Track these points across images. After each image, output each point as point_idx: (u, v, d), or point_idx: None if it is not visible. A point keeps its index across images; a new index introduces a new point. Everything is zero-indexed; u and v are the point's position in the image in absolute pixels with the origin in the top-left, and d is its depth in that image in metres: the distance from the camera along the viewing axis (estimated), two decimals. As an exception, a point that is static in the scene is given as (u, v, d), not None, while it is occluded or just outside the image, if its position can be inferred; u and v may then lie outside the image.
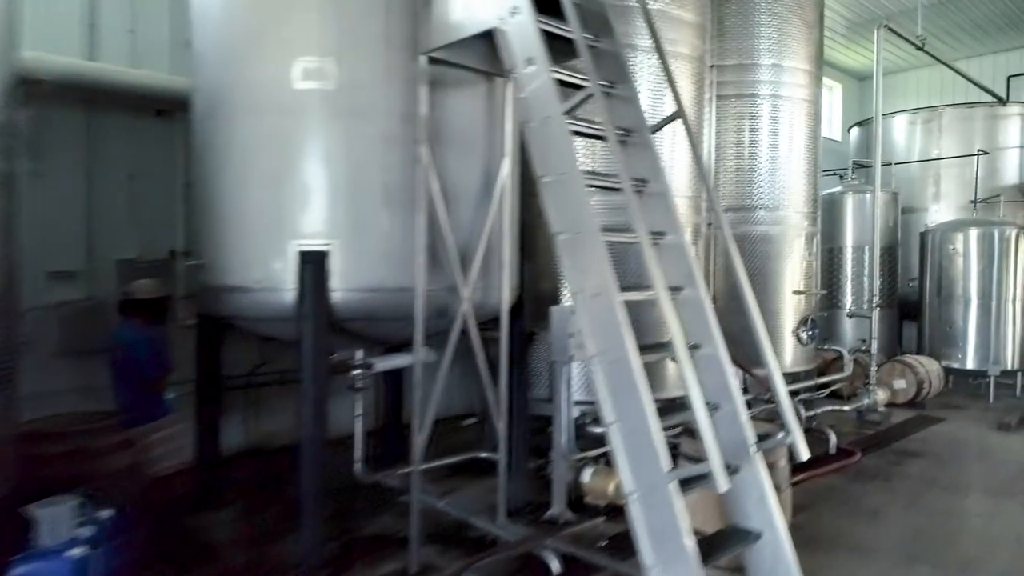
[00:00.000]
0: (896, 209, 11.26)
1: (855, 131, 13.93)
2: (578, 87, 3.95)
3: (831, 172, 11.96)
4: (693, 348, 3.65)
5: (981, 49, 14.77)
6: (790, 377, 8.11)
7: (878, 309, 8.60)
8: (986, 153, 11.44)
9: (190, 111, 4.93)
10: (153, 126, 6.27)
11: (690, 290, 3.69)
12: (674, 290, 3.71)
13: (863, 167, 11.94)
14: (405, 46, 4.33)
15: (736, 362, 7.36)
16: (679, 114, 3.97)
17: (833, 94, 16.68)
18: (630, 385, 3.09)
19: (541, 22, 3.65)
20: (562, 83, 3.75)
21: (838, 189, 11.24)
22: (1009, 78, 14.52)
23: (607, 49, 4.11)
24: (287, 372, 6.55)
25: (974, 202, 10.91)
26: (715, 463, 2.87)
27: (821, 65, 8.45)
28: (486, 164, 4.76)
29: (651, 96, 6.37)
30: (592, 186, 3.54)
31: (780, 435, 3.57)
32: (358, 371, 5.22)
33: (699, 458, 3.17)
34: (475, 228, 4.65)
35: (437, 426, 6.79)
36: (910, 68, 15.97)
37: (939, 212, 12.15)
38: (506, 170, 4.71)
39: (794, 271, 8.01)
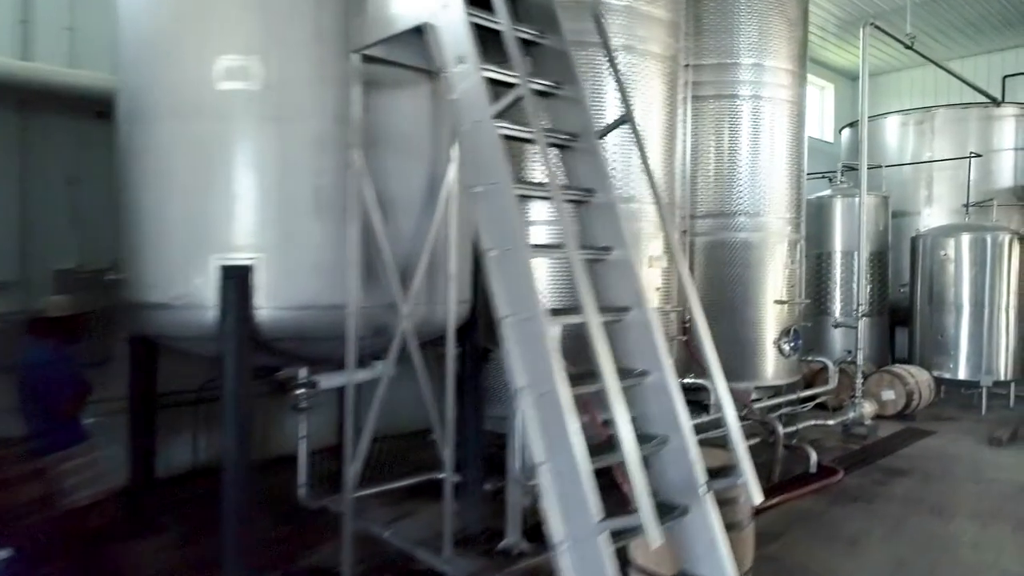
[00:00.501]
0: (886, 213, 10.93)
1: (846, 132, 13.59)
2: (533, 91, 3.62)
3: (822, 175, 11.63)
4: (640, 375, 3.31)
5: (976, 49, 14.43)
6: (771, 390, 7.81)
7: (865, 318, 8.26)
8: (979, 156, 11.10)
9: (114, 113, 4.60)
10: (95, 129, 5.91)
11: (637, 311, 3.35)
12: (620, 311, 3.39)
13: (853, 169, 11.59)
14: (338, 43, 4.00)
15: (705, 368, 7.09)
16: (627, 118, 3.64)
17: (825, 94, 16.35)
18: (559, 422, 2.76)
19: (473, 15, 3.32)
20: (501, 84, 3.43)
21: (827, 192, 10.91)
22: (1004, 78, 14.17)
23: (553, 47, 3.78)
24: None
25: (966, 206, 10.57)
26: (647, 516, 2.53)
27: (805, 64, 8.13)
28: (431, 169, 4.42)
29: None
30: (526, 196, 3.20)
31: (742, 473, 3.23)
32: (301, 391, 4.90)
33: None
34: (419, 238, 4.32)
35: (401, 440, 6.48)
36: (903, 68, 15.64)
37: (932, 216, 11.81)
38: (453, 175, 4.37)
39: (776, 280, 7.68)
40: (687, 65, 7.19)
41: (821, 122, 15.98)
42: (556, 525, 2.77)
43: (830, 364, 8.15)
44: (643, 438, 3.26)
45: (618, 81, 3.85)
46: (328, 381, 4.83)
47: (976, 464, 7.20)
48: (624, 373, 3.34)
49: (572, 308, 3.28)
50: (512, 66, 3.25)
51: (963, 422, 9.07)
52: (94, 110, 5.87)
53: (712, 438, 6.82)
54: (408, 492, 5.77)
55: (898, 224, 12.05)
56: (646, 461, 3.00)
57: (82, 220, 5.81)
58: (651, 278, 6.17)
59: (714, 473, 3.36)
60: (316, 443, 5.56)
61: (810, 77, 16.01)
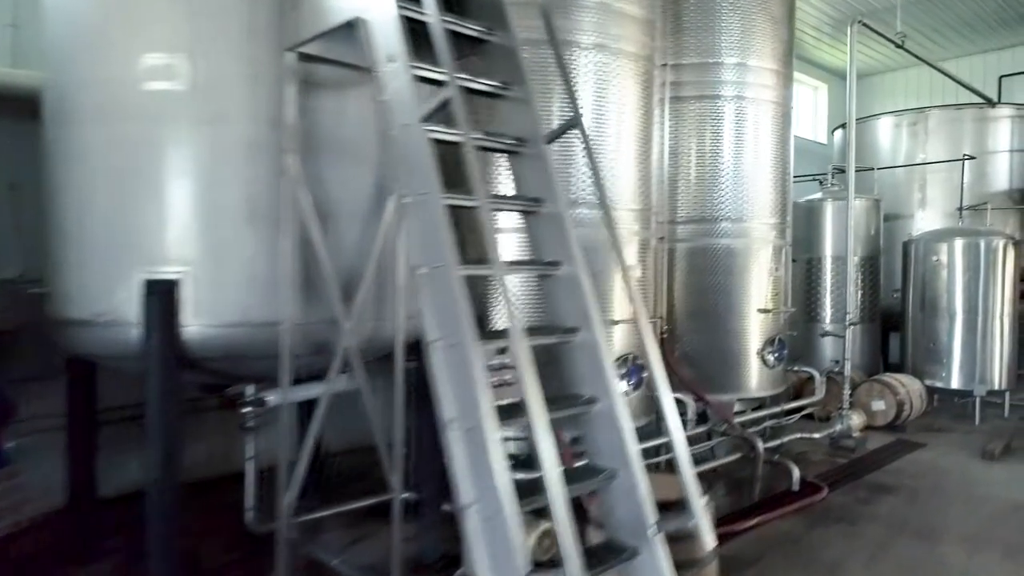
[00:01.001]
0: (878, 216, 10.64)
1: (839, 133, 13.31)
2: (476, 92, 3.35)
3: (813, 177, 11.34)
4: (588, 402, 3.03)
5: (971, 48, 14.15)
6: (756, 402, 7.52)
7: (853, 327, 7.98)
8: (973, 158, 10.81)
9: (41, 114, 4.32)
10: (37, 131, 5.65)
11: (585, 333, 3.07)
12: (568, 332, 3.10)
13: (844, 172, 11.32)
14: (273, 40, 3.72)
15: (689, 387, 6.80)
16: (574, 122, 3.35)
17: (819, 95, 16.07)
18: (485, 461, 2.48)
19: (403, 7, 3.04)
20: (441, 84, 3.15)
21: (817, 196, 10.62)
22: (1001, 78, 13.90)
23: (502, 44, 3.50)
24: (197, 399, 5.97)
25: (960, 209, 10.28)
26: (572, 572, 2.25)
27: (791, 64, 7.84)
28: (378, 175, 4.14)
29: (594, 99, 5.76)
30: (457, 207, 2.92)
31: (693, 515, 2.96)
32: (249, 409, 4.62)
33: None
34: (365, 249, 4.03)
35: (370, 454, 6.20)
36: (898, 68, 15.37)
37: (925, 219, 11.53)
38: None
39: (760, 287, 7.39)
40: (664, 64, 6.90)
41: (815, 123, 15.70)
42: (482, 574, 2.49)
43: (816, 374, 7.86)
44: (591, 471, 2.99)
45: (566, 81, 3.57)
46: (279, 398, 4.56)
47: (967, 480, 6.91)
48: (571, 400, 3.07)
49: (543, 327, 3.00)
50: (443, 64, 2.96)
51: (956, 433, 8.79)
52: (36, 111, 5.61)
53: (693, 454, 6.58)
54: (368, 512, 5.49)
55: (891, 227, 11.77)
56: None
57: (25, 228, 5.52)
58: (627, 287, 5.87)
59: (671, 507, 3.09)
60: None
61: (803, 77, 15.81)
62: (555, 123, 5.65)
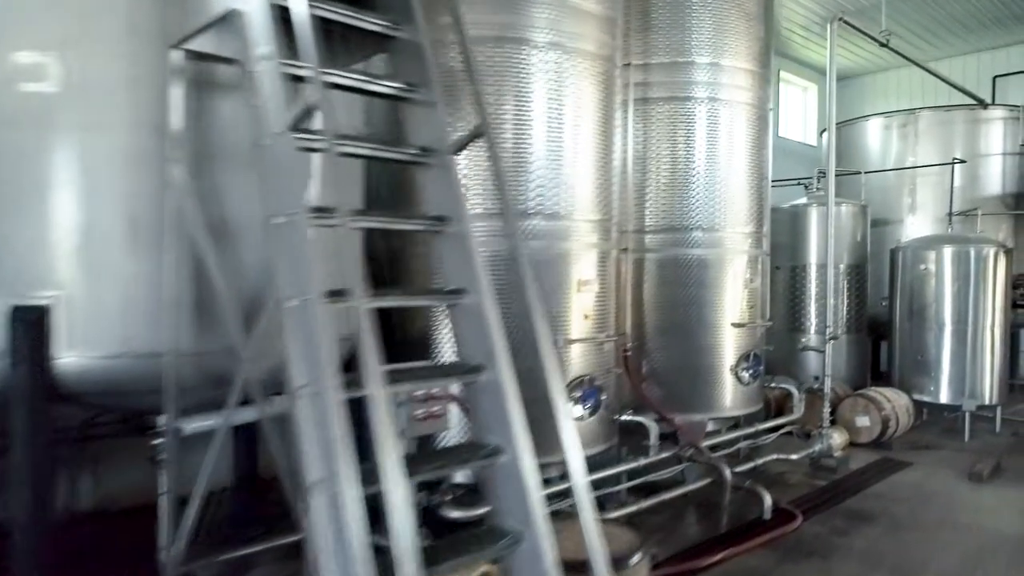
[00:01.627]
0: (865, 222, 10.23)
1: (827, 135, 12.87)
2: (370, 93, 2.95)
3: (798, 181, 10.92)
4: (492, 454, 2.63)
5: (965, 47, 13.73)
6: (731, 421, 7.12)
7: (833, 341, 7.57)
8: (963, 161, 10.41)
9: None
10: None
11: (489, 373, 2.66)
12: (471, 371, 2.70)
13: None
14: (157, 37, 3.32)
15: (653, 407, 6.39)
16: (481, 130, 2.95)
17: (808, 95, 15.65)
18: (345, 530, 2.07)
19: (276, -1, 2.64)
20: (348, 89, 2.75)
21: (801, 201, 10.22)
22: (995, 78, 13.49)
23: (410, 40, 3.10)
24: (134, 421, 5.58)
25: (950, 215, 9.87)
26: None
27: (768, 64, 7.44)
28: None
29: (549, 101, 5.36)
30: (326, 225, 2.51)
31: None
32: (160, 440, 4.22)
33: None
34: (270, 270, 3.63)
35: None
36: (891, 67, 14.95)
37: (915, 225, 11.13)
38: (314, 194, 3.68)
39: (735, 300, 6.98)
40: (627, 65, 6.49)
41: (804, 124, 15.29)
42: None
43: (795, 391, 7.45)
44: (497, 533, 2.58)
45: (473, 83, 3.15)
46: (194, 426, 4.16)
47: (952, 505, 6.50)
48: (477, 449, 2.66)
49: (443, 367, 2.59)
50: (307, 59, 2.56)
51: (944, 451, 8.37)
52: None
53: (659, 480, 6.17)
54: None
55: (881, 233, 11.37)
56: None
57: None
58: (583, 303, 5.47)
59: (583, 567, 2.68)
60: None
61: (792, 77, 15.41)
62: (509, 128, 5.30)
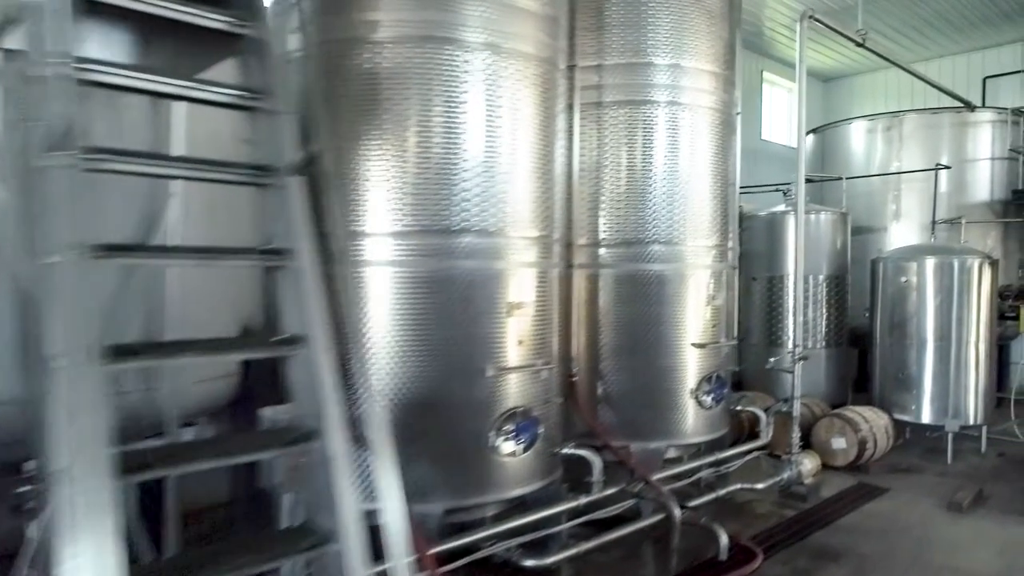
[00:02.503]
0: (845, 231, 9.76)
1: (811, 139, 12.42)
2: (200, 100, 2.49)
3: (776, 187, 10.45)
4: (319, 542, 2.17)
5: (954, 48, 13.26)
6: (693, 448, 6.65)
7: (803, 361, 7.11)
8: (948, 167, 9.95)
9: None
10: None
11: (321, 443, 2.20)
12: (303, 439, 2.24)
13: (811, 181, 10.48)
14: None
15: (602, 436, 5.93)
16: (314, 155, 2.48)
17: (793, 97, 15.15)
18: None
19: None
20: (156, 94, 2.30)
21: (779, 208, 9.75)
22: (985, 79, 13.02)
23: (256, 38, 2.64)
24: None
25: (933, 223, 9.41)
26: None
27: (733, 66, 6.98)
28: (146, 207, 3.27)
29: (484, 107, 4.89)
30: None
31: None
32: (27, 488, 3.77)
33: None
34: (129, 299, 3.17)
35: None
36: (879, 68, 14.47)
37: (900, 232, 10.67)
38: (176, 214, 3.23)
39: (697, 318, 6.53)
40: (573, 66, 6.01)
41: (790, 126, 14.79)
42: None
43: (762, 415, 6.98)
44: None
45: (311, 93, 2.68)
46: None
47: (927, 541, 6.04)
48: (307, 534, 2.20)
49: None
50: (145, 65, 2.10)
51: (925, 475, 7.92)
52: None
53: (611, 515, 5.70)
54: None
55: (864, 240, 10.93)
56: None
57: None
58: (518, 328, 5.01)
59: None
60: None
61: (777, 79, 14.93)
62: (437, 137, 4.84)
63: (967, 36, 12.70)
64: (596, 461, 5.26)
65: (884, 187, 10.94)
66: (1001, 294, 9.94)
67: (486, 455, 4.68)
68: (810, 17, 6.94)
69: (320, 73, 4.05)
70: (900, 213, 10.71)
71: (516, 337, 4.97)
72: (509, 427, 4.77)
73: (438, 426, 4.48)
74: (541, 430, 5.00)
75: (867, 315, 9.93)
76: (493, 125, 4.91)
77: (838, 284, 9.54)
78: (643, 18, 6.38)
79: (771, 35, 13.79)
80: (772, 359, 7.04)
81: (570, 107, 5.68)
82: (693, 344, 6.39)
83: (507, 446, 4.76)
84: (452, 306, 4.62)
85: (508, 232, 4.95)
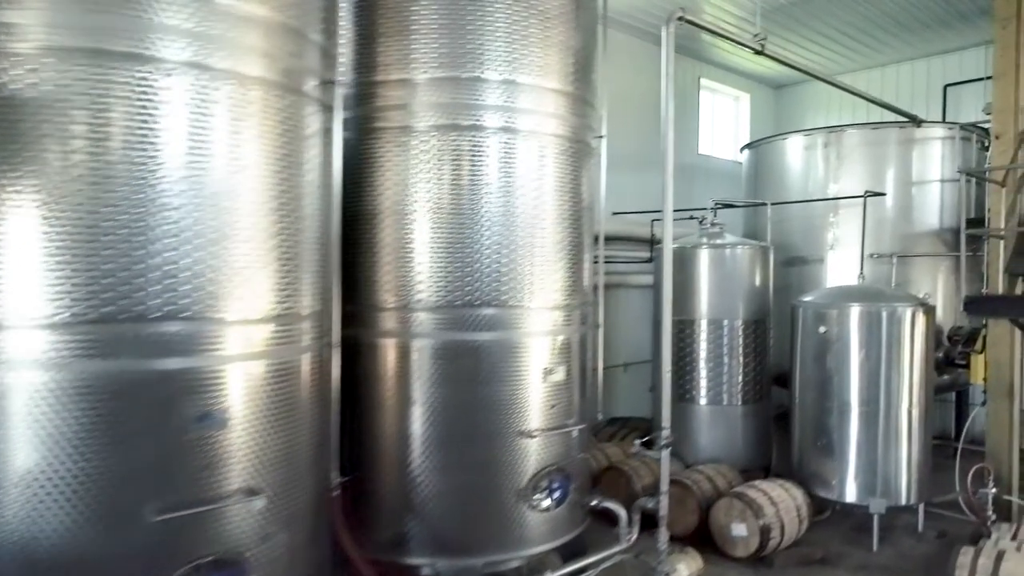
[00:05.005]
0: (766, 267, 8.42)
1: (747, 154, 11.10)
2: None
3: (691, 215, 9.10)
4: None
5: (912, 52, 11.91)
6: (533, 559, 5.34)
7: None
8: (881, 194, 8.62)
9: None
10: None
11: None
12: None
13: (730, 206, 9.18)
14: None
15: (361, 566, 4.54)
16: None
17: (740, 105, 13.85)
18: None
19: None
20: None
21: (690, 240, 8.43)
22: (946, 87, 11.69)
23: None
24: None
25: (861, 260, 8.09)
26: None
27: (589, 83, 5.67)
28: None
29: (182, 150, 3.56)
30: None
31: None
32: None
33: None
34: None
35: None
36: (838, 73, 13.14)
37: (837, 265, 9.35)
38: None
39: (535, 399, 5.23)
40: (330, 82, 4.63)
41: (736, 138, 13.49)
42: None
43: (622, 514, 5.63)
44: None
45: None
46: None
47: None
48: None
49: None
50: None
51: (841, 568, 6.61)
52: None
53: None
54: None
55: (799, 274, 9.64)
56: None
57: None
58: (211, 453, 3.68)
59: None
60: None
61: (722, 87, 13.55)
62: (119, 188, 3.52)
63: (924, 40, 11.35)
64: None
65: (823, 211, 9.62)
66: (951, 338, 8.64)
67: None
68: (679, 19, 5.58)
69: None
70: (838, 242, 9.39)
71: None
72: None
73: None
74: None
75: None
76: (199, 171, 3.61)
77: (757, 330, 8.21)
78: (466, 23, 5.07)
79: (711, 40, 12.43)
80: (638, 441, 5.69)
81: (327, 131, 4.33)
82: (518, 432, 5.09)
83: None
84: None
85: (220, 311, 3.63)
